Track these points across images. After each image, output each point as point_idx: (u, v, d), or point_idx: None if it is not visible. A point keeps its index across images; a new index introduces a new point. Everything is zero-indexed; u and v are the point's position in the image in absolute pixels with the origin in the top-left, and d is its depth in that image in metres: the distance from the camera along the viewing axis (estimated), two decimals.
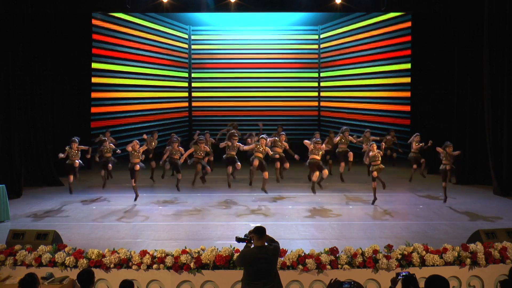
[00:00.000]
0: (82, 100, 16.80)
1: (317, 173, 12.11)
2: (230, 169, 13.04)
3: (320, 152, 12.09)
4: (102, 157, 13.61)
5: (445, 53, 15.79)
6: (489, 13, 13.16)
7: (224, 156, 12.87)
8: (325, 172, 12.33)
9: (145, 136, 14.91)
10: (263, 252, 5.51)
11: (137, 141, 12.50)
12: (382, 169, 11.96)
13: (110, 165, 13.40)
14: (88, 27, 16.76)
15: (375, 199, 11.96)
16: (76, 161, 12.58)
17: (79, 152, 12.72)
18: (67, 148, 12.58)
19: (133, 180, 12.16)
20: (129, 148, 12.15)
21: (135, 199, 12.22)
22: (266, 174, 12.45)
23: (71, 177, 12.68)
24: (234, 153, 12.72)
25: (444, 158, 11.86)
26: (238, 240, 5.78)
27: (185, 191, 13.12)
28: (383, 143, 13.67)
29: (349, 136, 14.25)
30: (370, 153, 11.98)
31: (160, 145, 16.08)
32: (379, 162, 11.92)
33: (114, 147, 13.70)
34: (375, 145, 12.11)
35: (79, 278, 5.42)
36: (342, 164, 14.12)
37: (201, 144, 12.97)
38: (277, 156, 12.89)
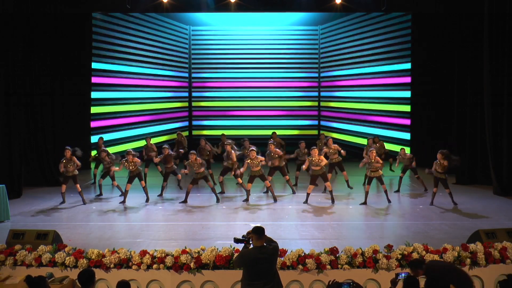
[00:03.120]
0: (82, 100, 16.80)
1: (312, 186, 12.20)
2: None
3: (320, 163, 11.98)
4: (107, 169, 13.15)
5: (445, 53, 15.79)
6: (489, 13, 13.15)
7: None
8: (328, 184, 12.26)
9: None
10: (262, 252, 5.50)
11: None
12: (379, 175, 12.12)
13: (115, 182, 13.10)
14: (88, 27, 16.76)
15: (365, 202, 12.07)
16: (74, 170, 12.06)
17: (74, 162, 12.09)
18: (63, 160, 12.05)
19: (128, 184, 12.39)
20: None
21: (124, 201, 12.37)
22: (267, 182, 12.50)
23: (64, 187, 12.22)
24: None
25: (438, 166, 11.80)
26: (236, 241, 5.78)
27: (185, 192, 13.11)
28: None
29: (334, 145, 13.45)
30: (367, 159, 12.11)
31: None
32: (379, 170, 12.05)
33: (114, 157, 13.19)
34: (374, 152, 12.10)
35: (79, 277, 5.42)
36: (344, 173, 13.61)
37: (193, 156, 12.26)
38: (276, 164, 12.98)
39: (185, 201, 12.31)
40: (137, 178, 12.36)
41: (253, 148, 12.57)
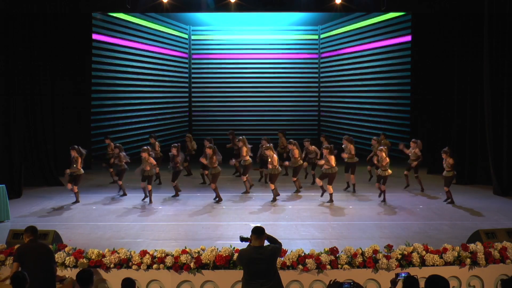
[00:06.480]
0: (82, 100, 16.77)
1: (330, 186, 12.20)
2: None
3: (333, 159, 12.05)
4: (118, 166, 13.09)
5: (445, 53, 15.78)
6: (489, 13, 13.14)
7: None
8: (329, 188, 12.19)
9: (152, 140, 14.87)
10: (259, 252, 5.49)
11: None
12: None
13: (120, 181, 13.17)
14: (88, 27, 16.75)
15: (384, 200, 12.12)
16: (81, 169, 12.14)
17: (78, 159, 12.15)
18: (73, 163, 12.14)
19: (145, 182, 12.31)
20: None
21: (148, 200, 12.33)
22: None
23: (76, 187, 12.22)
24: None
25: (445, 165, 11.85)
26: (242, 239, 5.78)
27: (185, 191, 13.11)
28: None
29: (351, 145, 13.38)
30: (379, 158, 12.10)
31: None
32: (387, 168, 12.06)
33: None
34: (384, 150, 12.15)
35: (78, 277, 5.43)
36: (352, 176, 13.36)
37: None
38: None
39: (220, 199, 12.32)
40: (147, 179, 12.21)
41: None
